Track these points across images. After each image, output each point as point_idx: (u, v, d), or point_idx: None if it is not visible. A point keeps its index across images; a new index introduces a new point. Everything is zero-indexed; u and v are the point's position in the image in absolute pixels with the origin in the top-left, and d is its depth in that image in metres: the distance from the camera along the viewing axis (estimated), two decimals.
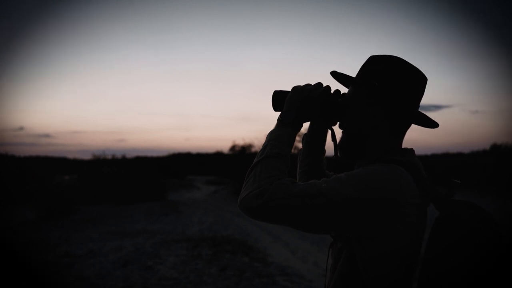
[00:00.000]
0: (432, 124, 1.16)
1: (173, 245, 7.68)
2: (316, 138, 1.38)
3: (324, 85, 1.20)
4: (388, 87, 1.11)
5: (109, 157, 21.01)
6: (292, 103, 1.18)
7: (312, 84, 1.20)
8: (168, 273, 5.86)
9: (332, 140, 1.23)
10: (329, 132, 1.30)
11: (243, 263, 6.34)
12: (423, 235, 1.06)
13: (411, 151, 1.15)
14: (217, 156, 36.22)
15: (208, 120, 71.36)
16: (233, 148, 24.07)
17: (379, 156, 1.12)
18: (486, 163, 16.58)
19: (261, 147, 1.15)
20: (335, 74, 1.19)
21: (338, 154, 1.20)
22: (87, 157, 23.55)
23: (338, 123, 1.22)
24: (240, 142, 27.26)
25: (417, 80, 1.14)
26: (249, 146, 22.36)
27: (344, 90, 1.23)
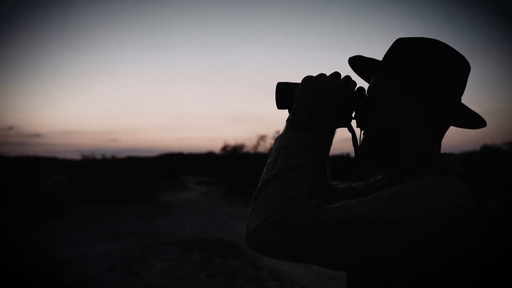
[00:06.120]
0: (479, 122, 0.94)
1: (163, 248, 7.48)
2: (323, 142, 1.10)
3: (342, 76, 0.95)
4: (426, 75, 0.89)
5: (99, 157, 20.78)
6: (306, 98, 0.92)
7: (327, 74, 0.95)
8: (155, 280, 5.66)
9: (354, 145, 0.99)
10: (338, 133, 1.06)
11: (234, 268, 6.14)
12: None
13: (452, 156, 0.93)
14: (210, 156, 36.06)
15: (201, 120, 71.22)
16: (224, 148, 23.96)
17: (418, 163, 0.90)
18: (476, 163, 16.65)
19: (267, 153, 0.91)
20: (355, 61, 0.96)
21: (361, 158, 0.97)
22: (79, 157, 23.37)
23: (355, 121, 0.99)
24: (232, 142, 26.98)
25: (460, 68, 0.93)
26: (241, 146, 22.21)
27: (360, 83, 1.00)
